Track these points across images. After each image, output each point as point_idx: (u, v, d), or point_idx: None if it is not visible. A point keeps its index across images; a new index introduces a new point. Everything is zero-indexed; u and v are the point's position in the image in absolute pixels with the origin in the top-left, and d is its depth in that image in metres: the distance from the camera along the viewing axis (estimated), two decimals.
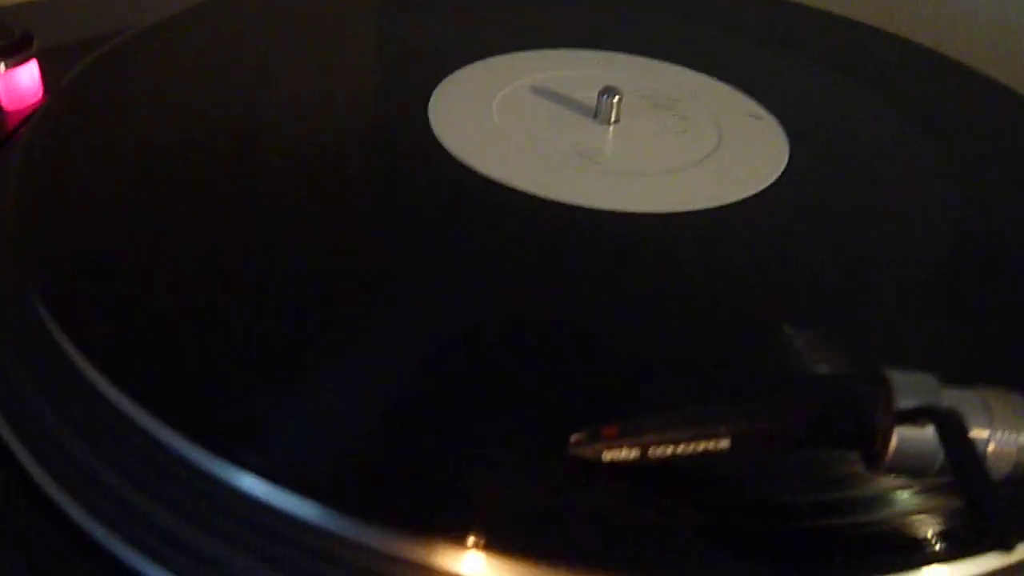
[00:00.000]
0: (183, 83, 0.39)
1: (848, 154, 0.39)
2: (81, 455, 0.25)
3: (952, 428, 0.20)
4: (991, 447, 0.22)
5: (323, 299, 0.29)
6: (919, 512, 0.24)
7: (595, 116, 0.39)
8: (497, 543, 0.22)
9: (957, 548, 0.23)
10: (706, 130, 0.39)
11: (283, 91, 0.38)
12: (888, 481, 0.23)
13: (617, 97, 0.39)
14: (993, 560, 0.23)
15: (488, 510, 0.23)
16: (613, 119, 0.39)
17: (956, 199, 0.37)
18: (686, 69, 0.43)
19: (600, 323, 0.29)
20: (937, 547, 0.23)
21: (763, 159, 0.37)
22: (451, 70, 0.41)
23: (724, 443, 0.22)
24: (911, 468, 0.22)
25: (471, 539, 0.22)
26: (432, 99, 0.39)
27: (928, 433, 0.21)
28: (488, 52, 0.43)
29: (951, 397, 0.22)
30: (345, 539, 0.23)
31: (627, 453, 0.23)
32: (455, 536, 0.22)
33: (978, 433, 0.22)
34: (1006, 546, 0.19)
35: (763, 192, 0.35)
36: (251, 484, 0.23)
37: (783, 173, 0.37)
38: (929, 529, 0.24)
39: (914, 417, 0.21)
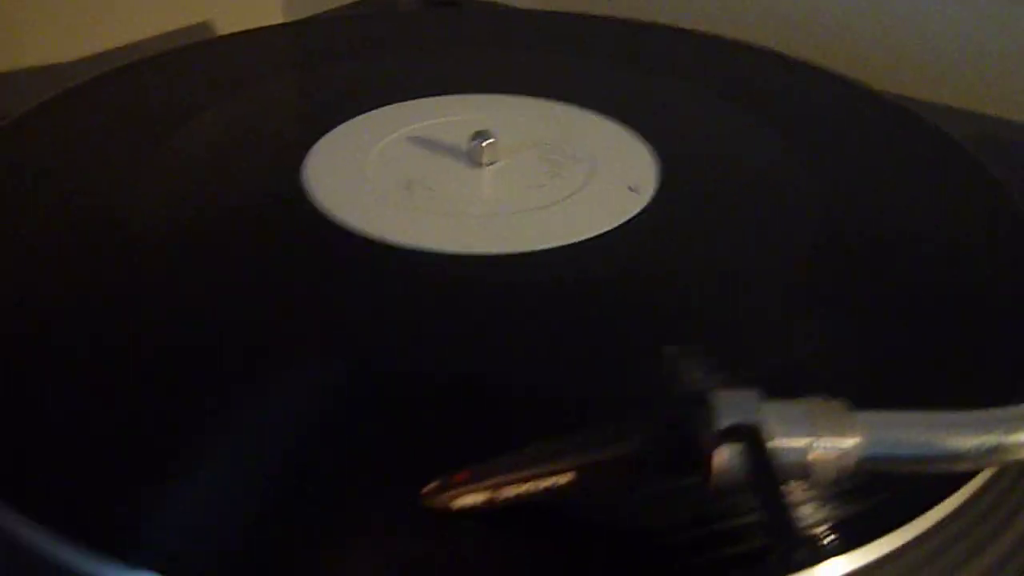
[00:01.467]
0: (50, 167, 0.39)
1: (716, 172, 0.40)
2: None
3: (751, 442, 0.21)
4: (813, 455, 0.22)
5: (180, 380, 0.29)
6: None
7: (470, 161, 0.40)
8: None
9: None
10: (580, 164, 0.40)
11: (158, 161, 0.39)
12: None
13: (489, 141, 0.40)
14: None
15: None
16: (486, 162, 0.40)
17: (822, 200, 0.38)
18: (563, 104, 0.44)
19: (466, 367, 0.30)
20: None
21: (634, 186, 0.38)
22: (329, 128, 0.42)
23: (566, 478, 0.23)
24: (743, 485, 0.22)
25: None
26: (308, 158, 0.39)
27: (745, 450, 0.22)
28: (366, 107, 0.44)
29: (772, 410, 0.23)
30: None
31: (475, 499, 0.24)
32: None
33: (799, 442, 0.22)
34: (790, 564, 0.20)
35: (632, 219, 0.36)
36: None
37: (651, 201, 0.38)
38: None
39: (728, 436, 0.22)
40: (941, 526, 0.26)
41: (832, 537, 0.24)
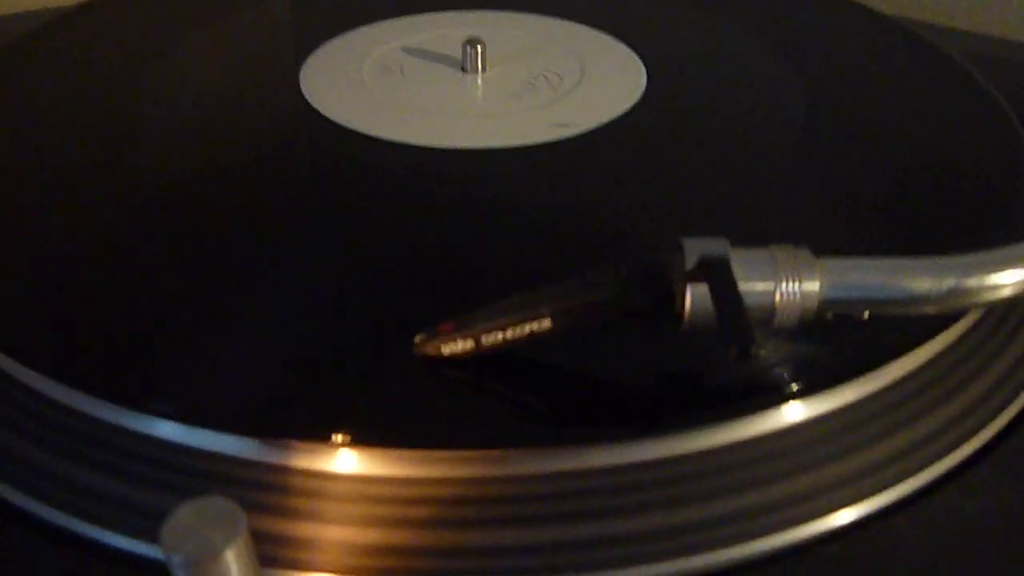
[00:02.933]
0: (58, 84, 0.41)
1: (702, 78, 0.42)
2: None
3: (717, 270, 0.23)
4: (777, 298, 0.24)
5: (209, 261, 0.31)
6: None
7: (463, 67, 0.41)
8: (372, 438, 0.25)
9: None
10: (570, 69, 0.41)
11: (159, 79, 0.40)
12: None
13: (480, 47, 0.41)
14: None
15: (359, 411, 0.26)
16: (480, 68, 0.41)
17: (800, 100, 0.39)
18: (551, 18, 0.46)
19: (467, 245, 0.31)
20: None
21: (622, 90, 0.40)
22: (321, 42, 0.43)
23: (546, 323, 0.25)
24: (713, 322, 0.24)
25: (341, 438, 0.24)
26: (303, 69, 0.41)
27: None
28: (357, 22, 0.45)
29: (739, 255, 0.24)
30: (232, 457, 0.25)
31: (463, 345, 0.25)
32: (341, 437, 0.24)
33: (764, 286, 0.24)
34: (746, 353, 0.21)
35: (620, 118, 0.38)
36: (156, 427, 0.25)
37: (639, 101, 0.39)
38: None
39: (697, 273, 0.23)
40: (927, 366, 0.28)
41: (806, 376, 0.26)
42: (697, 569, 0.25)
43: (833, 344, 0.27)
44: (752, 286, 0.24)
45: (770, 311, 0.24)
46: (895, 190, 0.35)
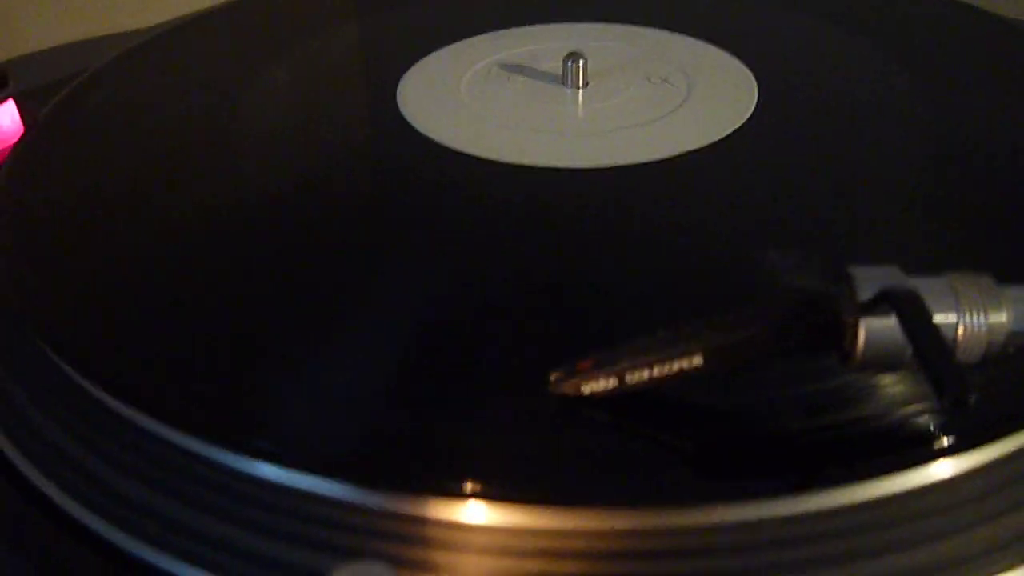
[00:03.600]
0: (155, 106, 0.39)
1: (817, 91, 0.39)
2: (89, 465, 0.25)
3: (909, 306, 0.20)
4: (960, 330, 0.22)
5: (310, 285, 0.29)
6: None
7: (563, 83, 0.39)
8: (501, 491, 0.23)
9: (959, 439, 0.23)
10: (676, 83, 0.39)
11: (256, 97, 0.39)
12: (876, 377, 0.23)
13: (582, 61, 0.39)
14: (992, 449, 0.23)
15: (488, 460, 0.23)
16: (582, 83, 0.39)
17: (929, 118, 0.37)
18: (653, 29, 0.44)
19: (587, 271, 0.29)
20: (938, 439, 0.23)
21: (732, 105, 0.37)
22: (417, 58, 0.41)
23: (697, 360, 0.23)
24: (887, 359, 0.22)
25: (479, 490, 0.22)
26: (400, 86, 0.39)
27: (894, 320, 0.21)
28: (453, 38, 0.43)
29: (915, 285, 0.22)
30: (363, 508, 0.23)
31: (606, 383, 0.23)
32: (463, 491, 0.22)
33: (946, 318, 0.22)
34: (964, 402, 0.19)
35: (732, 135, 0.36)
36: (260, 469, 0.24)
37: (751, 116, 0.37)
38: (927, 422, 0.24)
39: (876, 306, 0.21)
40: None
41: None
42: None
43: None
44: (936, 319, 0.22)
45: (953, 345, 0.22)
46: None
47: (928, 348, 0.20)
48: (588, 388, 0.23)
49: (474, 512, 0.23)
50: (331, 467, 0.23)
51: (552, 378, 0.24)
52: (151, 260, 0.31)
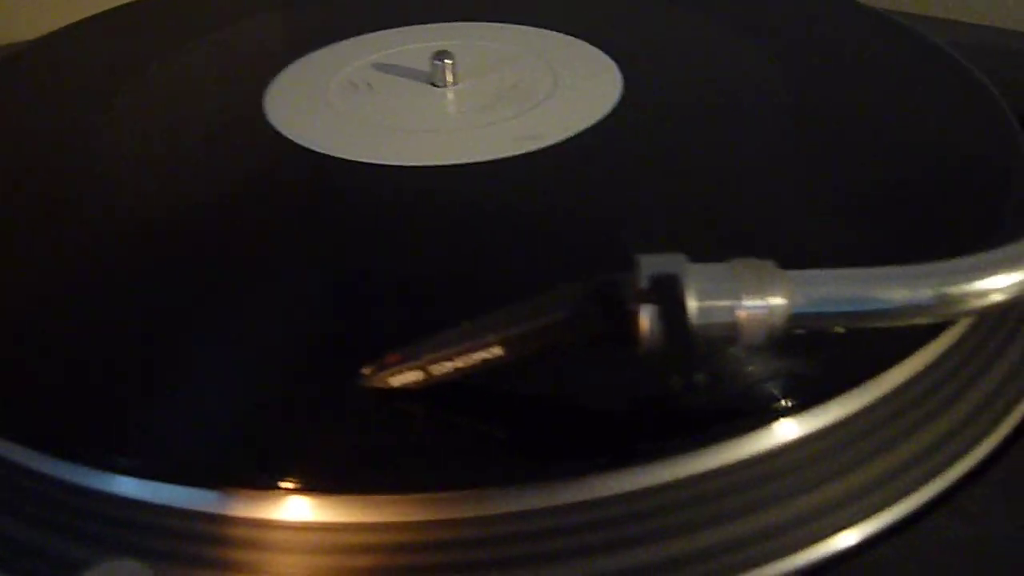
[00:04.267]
0: (15, 117, 0.40)
1: (680, 79, 0.40)
2: None
3: (664, 290, 0.21)
4: (742, 314, 0.22)
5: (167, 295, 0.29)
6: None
7: (433, 82, 0.40)
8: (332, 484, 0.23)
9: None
10: (541, 77, 0.40)
11: (122, 107, 0.39)
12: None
13: (450, 60, 0.40)
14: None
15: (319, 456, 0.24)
16: (451, 81, 0.40)
17: (790, 103, 0.38)
18: (524, 26, 0.44)
19: (447, 263, 0.30)
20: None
21: (596, 97, 0.38)
22: (284, 64, 0.42)
23: (497, 350, 0.23)
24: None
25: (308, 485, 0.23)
26: (267, 92, 0.40)
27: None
28: (320, 43, 0.44)
29: (697, 271, 0.23)
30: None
31: (413, 376, 0.24)
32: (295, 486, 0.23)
33: (725, 301, 0.22)
34: (693, 385, 0.20)
35: (592, 127, 0.36)
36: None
37: (618, 103, 0.38)
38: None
39: (653, 292, 0.22)
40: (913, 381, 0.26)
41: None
42: None
43: (805, 361, 0.26)
44: (713, 303, 0.22)
45: (734, 329, 0.22)
46: (885, 190, 0.33)
47: (672, 331, 0.21)
48: (396, 381, 0.24)
49: (289, 508, 0.23)
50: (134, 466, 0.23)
51: (364, 373, 0.24)
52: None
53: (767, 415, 0.25)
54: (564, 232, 0.31)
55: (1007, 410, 0.27)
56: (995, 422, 0.27)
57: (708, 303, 0.22)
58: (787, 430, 0.25)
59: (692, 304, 0.22)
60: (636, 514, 0.24)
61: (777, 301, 0.22)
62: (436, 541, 0.23)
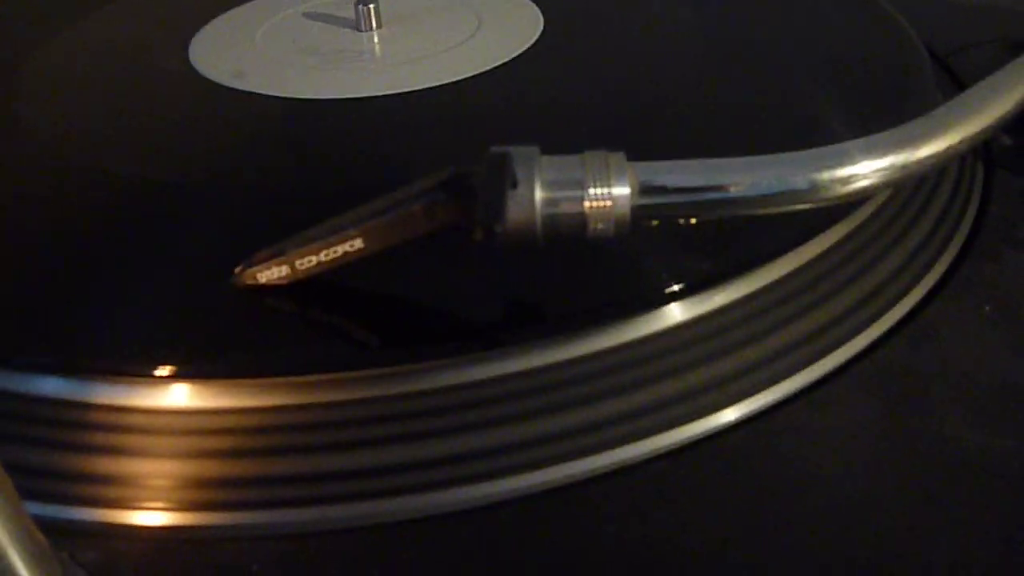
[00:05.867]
0: None
1: (596, 18, 0.41)
2: None
3: (493, 161, 0.22)
4: (587, 204, 0.23)
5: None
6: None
7: (358, 27, 0.41)
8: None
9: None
10: (465, 21, 0.41)
11: (44, 63, 0.40)
12: None
13: (372, 5, 0.41)
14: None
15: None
16: (375, 25, 0.41)
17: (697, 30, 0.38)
18: None
19: (324, 185, 0.31)
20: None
21: (518, 36, 0.39)
22: (213, 15, 0.43)
23: (358, 242, 0.24)
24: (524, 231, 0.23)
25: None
26: (194, 40, 0.41)
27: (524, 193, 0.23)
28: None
29: (547, 161, 0.23)
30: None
31: (278, 271, 0.25)
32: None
33: (573, 192, 0.23)
34: (490, 233, 0.20)
35: (515, 59, 0.37)
36: None
37: (535, 42, 0.39)
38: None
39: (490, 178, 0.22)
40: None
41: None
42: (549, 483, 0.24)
43: (699, 247, 0.27)
44: (562, 193, 0.23)
45: (582, 217, 0.23)
46: (794, 113, 0.34)
47: (485, 188, 0.21)
48: (264, 277, 0.25)
49: (156, 393, 0.24)
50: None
51: (236, 271, 0.25)
52: None
53: (650, 300, 0.26)
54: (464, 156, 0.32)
55: (880, 313, 0.28)
56: (867, 322, 0.28)
57: (555, 193, 0.23)
58: (670, 314, 0.26)
59: (538, 194, 0.23)
60: (524, 391, 0.25)
61: (621, 190, 0.23)
62: (293, 424, 0.24)
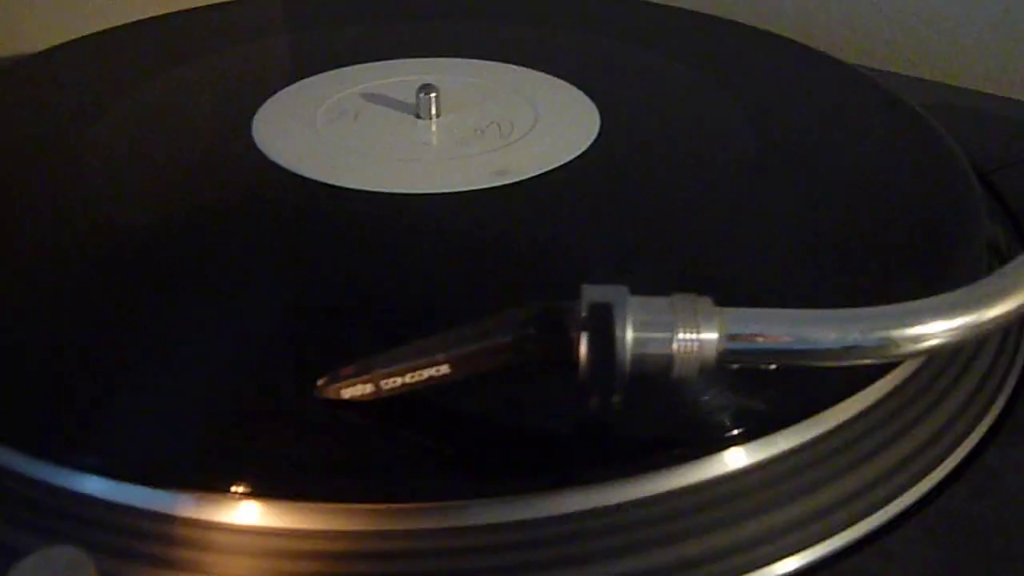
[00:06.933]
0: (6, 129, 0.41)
1: (654, 118, 0.42)
2: None
3: (596, 315, 0.22)
4: (674, 347, 0.23)
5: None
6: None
7: (418, 114, 0.42)
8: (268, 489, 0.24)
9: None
10: (522, 114, 0.42)
11: (113, 126, 0.41)
12: None
13: (435, 93, 0.41)
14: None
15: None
16: (435, 114, 0.41)
17: (754, 145, 0.39)
18: (510, 65, 0.46)
19: (397, 286, 0.31)
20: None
21: (574, 136, 0.40)
22: (272, 91, 0.43)
23: (444, 368, 0.24)
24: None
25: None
26: (256, 118, 0.41)
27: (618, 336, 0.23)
28: (314, 70, 0.45)
29: (636, 303, 0.24)
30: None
31: (363, 389, 0.25)
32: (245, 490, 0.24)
33: (661, 334, 0.23)
34: (606, 403, 0.21)
35: (565, 164, 0.38)
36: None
37: (593, 143, 0.39)
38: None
39: (586, 319, 0.23)
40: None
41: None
42: None
43: (744, 397, 0.27)
44: (649, 335, 0.24)
45: (668, 360, 0.24)
46: (844, 236, 0.34)
47: (594, 352, 0.22)
48: (348, 393, 0.25)
49: (238, 512, 0.24)
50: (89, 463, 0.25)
51: (318, 384, 0.26)
52: None
53: (711, 444, 0.26)
54: (523, 261, 0.32)
55: (941, 458, 0.28)
56: (928, 468, 0.28)
57: (644, 334, 0.23)
58: (730, 460, 0.26)
59: (629, 334, 0.23)
60: (578, 533, 0.25)
61: (709, 336, 0.24)
62: (371, 551, 0.24)
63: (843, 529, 0.26)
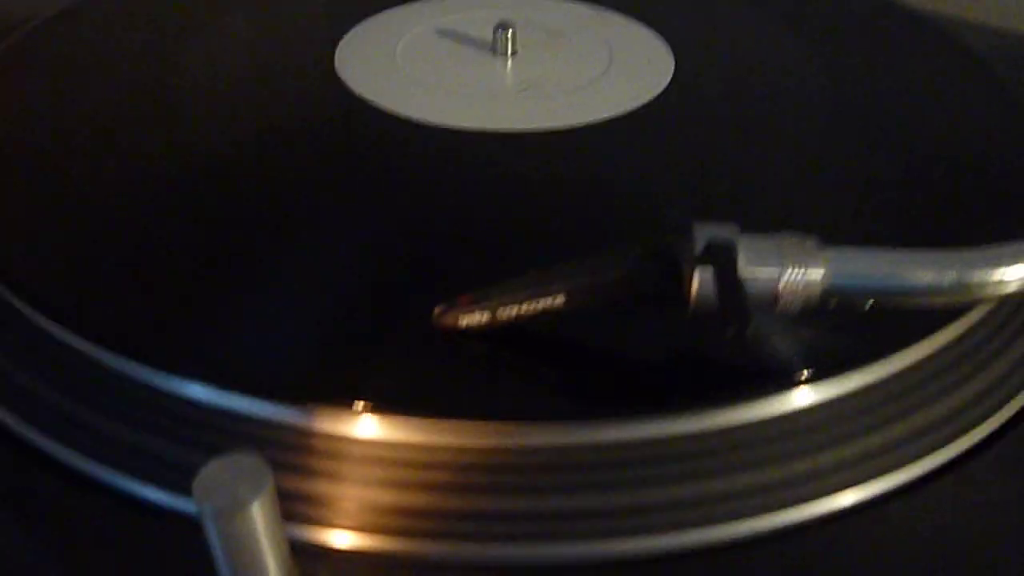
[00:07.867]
0: (99, 60, 0.42)
1: (728, 65, 0.42)
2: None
3: (719, 254, 0.24)
4: (781, 285, 0.25)
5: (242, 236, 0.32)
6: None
7: (493, 50, 0.42)
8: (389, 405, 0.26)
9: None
10: (597, 54, 0.42)
11: (199, 56, 0.42)
12: None
13: (511, 30, 0.42)
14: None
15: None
16: (511, 51, 0.42)
17: (826, 92, 0.40)
18: (580, 3, 0.47)
19: (488, 223, 0.32)
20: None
21: (647, 79, 0.41)
22: (353, 24, 0.44)
23: (559, 300, 0.26)
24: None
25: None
26: (338, 50, 0.42)
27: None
28: (388, 4, 0.46)
29: (746, 242, 0.25)
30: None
31: (479, 317, 0.26)
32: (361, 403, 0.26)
33: (768, 272, 0.25)
34: (741, 334, 0.22)
35: (650, 103, 0.39)
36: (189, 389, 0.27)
37: (667, 86, 0.40)
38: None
39: (703, 257, 0.24)
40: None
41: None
42: (695, 544, 0.26)
43: (840, 332, 0.28)
44: (757, 272, 0.25)
45: (773, 297, 0.25)
46: (914, 182, 0.36)
47: (724, 288, 0.23)
48: (464, 321, 0.27)
49: (357, 424, 0.26)
50: (232, 381, 0.26)
51: (436, 311, 0.27)
52: (93, 200, 0.33)
53: (797, 380, 0.27)
54: (603, 201, 0.34)
55: (1014, 393, 0.30)
56: (1001, 403, 0.30)
57: (754, 271, 0.25)
58: (806, 396, 0.28)
59: (741, 272, 0.25)
60: (655, 458, 0.27)
61: (814, 275, 0.25)
62: (478, 464, 0.26)
63: (928, 454, 0.28)
